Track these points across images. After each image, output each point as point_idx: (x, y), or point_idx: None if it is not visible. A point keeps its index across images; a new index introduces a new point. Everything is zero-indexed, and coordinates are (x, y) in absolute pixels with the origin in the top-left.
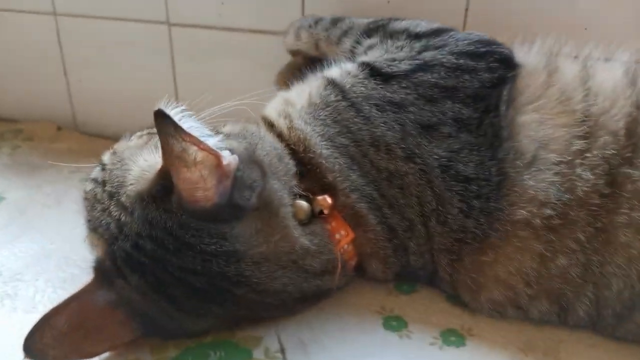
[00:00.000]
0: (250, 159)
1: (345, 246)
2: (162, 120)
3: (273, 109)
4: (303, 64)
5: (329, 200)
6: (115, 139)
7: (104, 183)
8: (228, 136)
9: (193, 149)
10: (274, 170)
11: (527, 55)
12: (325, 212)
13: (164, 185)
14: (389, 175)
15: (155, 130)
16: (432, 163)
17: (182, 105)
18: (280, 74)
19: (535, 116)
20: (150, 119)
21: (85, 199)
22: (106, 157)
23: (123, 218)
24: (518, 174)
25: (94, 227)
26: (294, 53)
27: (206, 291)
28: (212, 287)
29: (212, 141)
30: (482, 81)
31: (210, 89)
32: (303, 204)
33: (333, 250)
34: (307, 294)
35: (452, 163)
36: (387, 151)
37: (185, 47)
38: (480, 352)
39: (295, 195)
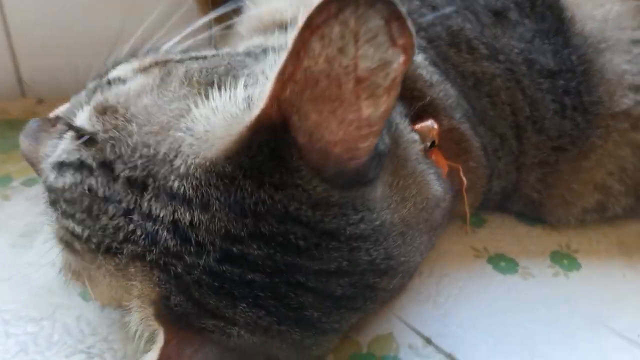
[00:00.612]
0: None
1: None
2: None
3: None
4: None
5: (436, 126)
6: None
7: (107, 166)
8: None
9: (400, 60)
10: None
11: None
12: (437, 142)
13: (266, 144)
14: (476, 81)
15: (173, 57)
16: (516, 59)
17: None
18: None
19: None
20: None
21: (65, 201)
22: (86, 120)
23: (186, 217)
24: (604, 59)
25: (108, 247)
26: None
27: (348, 297)
28: (357, 288)
29: None
30: None
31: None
32: (416, 136)
33: (451, 191)
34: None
35: (533, 56)
36: (470, 50)
37: None
38: (600, 268)
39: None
